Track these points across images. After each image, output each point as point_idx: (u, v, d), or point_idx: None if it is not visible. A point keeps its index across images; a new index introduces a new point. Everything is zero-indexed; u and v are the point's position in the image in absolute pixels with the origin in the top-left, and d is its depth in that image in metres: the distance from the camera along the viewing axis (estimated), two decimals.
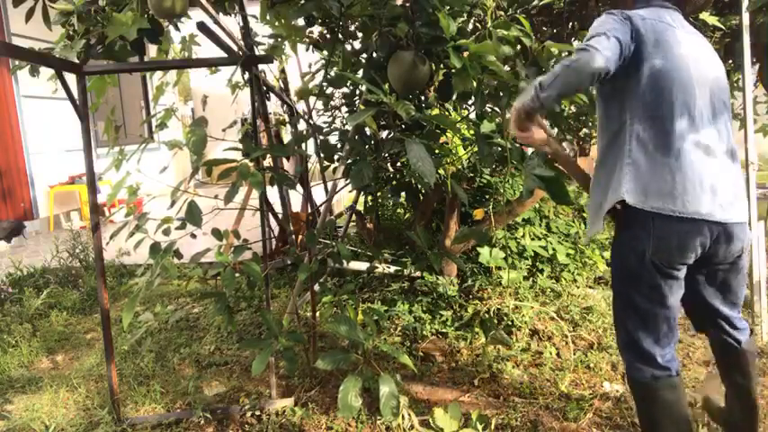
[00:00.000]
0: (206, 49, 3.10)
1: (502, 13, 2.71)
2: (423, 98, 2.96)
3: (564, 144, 2.96)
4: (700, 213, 1.62)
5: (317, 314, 2.77)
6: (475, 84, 2.16)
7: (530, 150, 2.18)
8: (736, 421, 1.97)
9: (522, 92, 1.73)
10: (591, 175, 1.88)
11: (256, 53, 3.00)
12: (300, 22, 2.68)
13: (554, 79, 1.61)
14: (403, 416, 2.25)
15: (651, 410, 1.76)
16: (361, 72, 2.75)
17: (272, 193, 2.92)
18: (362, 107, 2.52)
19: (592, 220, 1.85)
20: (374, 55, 2.58)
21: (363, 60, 2.72)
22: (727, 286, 1.83)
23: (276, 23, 2.84)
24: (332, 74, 3.01)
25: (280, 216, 3.11)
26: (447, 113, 3.05)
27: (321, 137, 2.55)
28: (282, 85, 4.09)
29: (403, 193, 3.22)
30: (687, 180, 1.62)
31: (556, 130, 1.92)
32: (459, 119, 2.90)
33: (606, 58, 1.56)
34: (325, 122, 3.78)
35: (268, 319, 2.14)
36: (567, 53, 2.48)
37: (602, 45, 1.58)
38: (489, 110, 2.41)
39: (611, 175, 1.72)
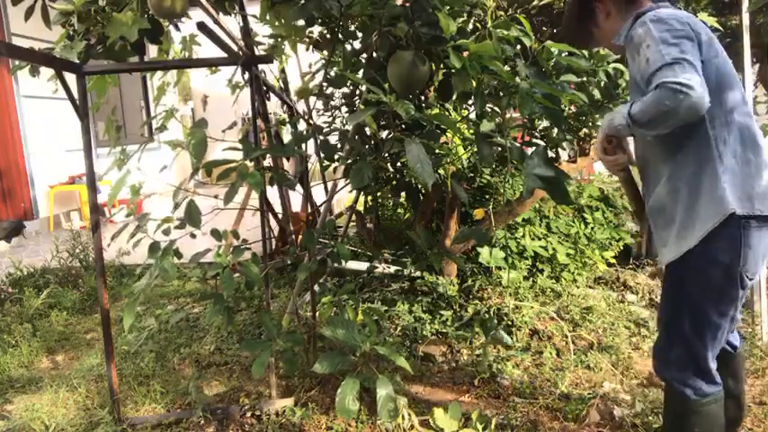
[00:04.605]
0: (206, 49, 3.10)
1: (502, 13, 2.71)
2: (423, 98, 2.96)
3: (564, 144, 2.97)
4: None
5: (317, 314, 2.77)
6: (475, 84, 2.16)
7: (529, 150, 2.18)
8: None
9: (609, 116, 1.62)
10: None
11: (256, 53, 3.00)
12: (300, 22, 2.68)
13: (648, 120, 1.47)
14: (403, 416, 2.25)
15: (693, 425, 1.70)
16: (361, 72, 2.75)
17: (272, 193, 2.92)
18: (362, 107, 2.52)
19: (667, 241, 1.67)
20: (374, 55, 2.57)
21: (363, 60, 2.72)
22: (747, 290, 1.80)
23: (276, 23, 2.83)
24: (332, 74, 3.01)
25: (280, 216, 3.11)
26: (447, 113, 3.04)
27: (321, 137, 2.54)
28: (282, 85, 4.09)
29: (403, 193, 3.21)
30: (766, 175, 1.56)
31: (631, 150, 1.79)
32: (459, 119, 2.90)
33: (704, 96, 1.40)
34: (325, 122, 3.77)
35: (267, 322, 2.14)
36: (566, 53, 2.47)
37: (695, 81, 1.39)
38: (489, 110, 2.40)
39: (698, 187, 1.57)
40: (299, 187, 2.95)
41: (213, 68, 3.60)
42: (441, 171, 3.19)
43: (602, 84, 2.62)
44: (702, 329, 1.65)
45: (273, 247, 4.10)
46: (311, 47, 3.26)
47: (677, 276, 1.68)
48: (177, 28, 2.90)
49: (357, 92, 3.40)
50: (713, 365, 1.69)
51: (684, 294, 1.66)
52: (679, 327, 1.68)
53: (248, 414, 2.45)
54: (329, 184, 3.06)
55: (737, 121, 1.56)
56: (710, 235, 1.55)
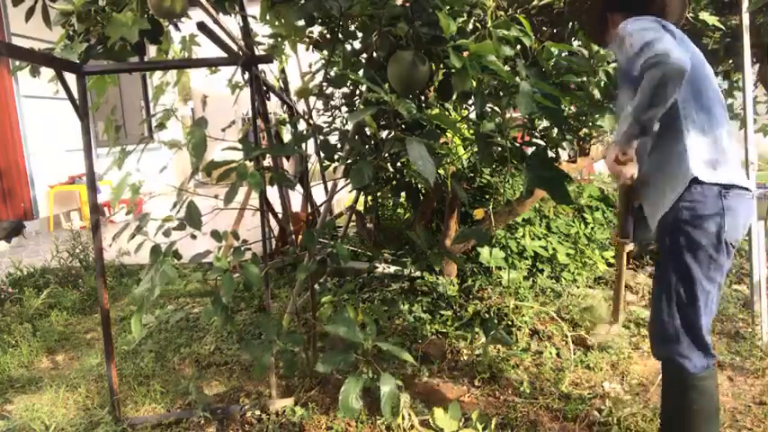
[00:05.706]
0: (206, 49, 3.09)
1: (502, 13, 2.71)
2: (423, 98, 2.96)
3: (564, 144, 2.97)
4: (749, 186, 1.75)
5: (317, 314, 2.77)
6: (475, 84, 2.16)
7: (529, 150, 2.18)
8: None
9: (619, 126, 1.77)
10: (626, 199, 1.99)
11: (256, 53, 3.00)
12: (300, 22, 2.68)
13: (648, 101, 1.62)
14: (403, 416, 2.25)
15: (691, 401, 1.78)
16: (361, 72, 2.75)
17: (273, 193, 2.92)
18: (362, 107, 2.52)
19: (654, 211, 1.84)
20: (374, 55, 2.57)
21: (363, 60, 2.72)
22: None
23: (276, 23, 2.83)
24: (332, 74, 3.01)
25: (280, 216, 3.11)
26: (447, 113, 3.04)
27: (321, 137, 2.54)
28: (282, 85, 4.09)
29: (403, 193, 3.21)
30: (735, 156, 1.79)
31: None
32: (459, 119, 2.90)
33: (681, 58, 1.57)
34: (325, 122, 3.77)
35: (266, 323, 2.14)
36: (567, 53, 2.47)
37: (670, 48, 1.58)
38: (489, 110, 2.40)
39: (669, 160, 1.77)
40: (299, 187, 2.95)
41: (213, 68, 3.60)
42: (441, 171, 3.19)
43: (603, 84, 2.62)
44: (694, 297, 1.74)
45: (273, 247, 4.11)
46: (311, 47, 3.26)
47: (673, 250, 1.78)
48: (177, 28, 2.90)
49: (357, 92, 3.40)
50: (709, 337, 1.78)
51: (678, 265, 1.77)
52: (674, 297, 1.78)
53: (248, 414, 2.45)
54: (329, 184, 3.06)
55: (705, 104, 1.76)
56: (696, 205, 1.71)
